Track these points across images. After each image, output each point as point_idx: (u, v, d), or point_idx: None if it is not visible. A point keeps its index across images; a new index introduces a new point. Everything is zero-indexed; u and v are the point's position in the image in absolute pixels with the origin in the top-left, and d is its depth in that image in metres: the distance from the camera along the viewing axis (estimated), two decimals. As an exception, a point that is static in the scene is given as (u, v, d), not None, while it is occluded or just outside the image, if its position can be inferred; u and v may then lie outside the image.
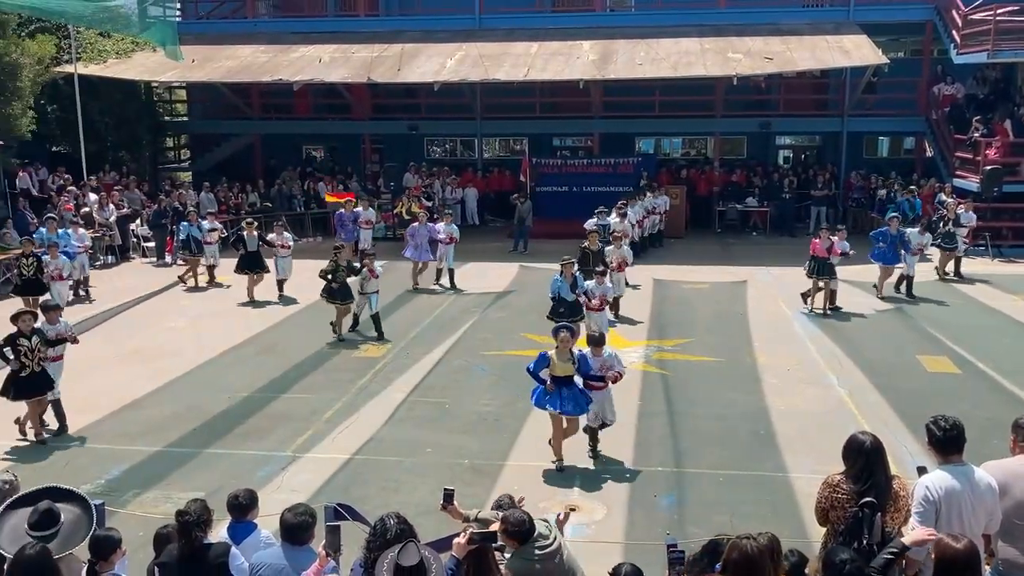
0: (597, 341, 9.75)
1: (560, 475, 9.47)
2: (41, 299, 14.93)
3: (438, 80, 24.40)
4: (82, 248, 18.06)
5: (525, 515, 5.08)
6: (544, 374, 9.50)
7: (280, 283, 17.94)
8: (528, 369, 9.72)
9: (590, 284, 13.88)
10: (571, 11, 28.70)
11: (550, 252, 21.29)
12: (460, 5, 27.98)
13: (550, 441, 9.68)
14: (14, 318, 10.45)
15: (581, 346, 9.97)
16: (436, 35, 27.29)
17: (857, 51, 23.96)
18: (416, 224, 18.84)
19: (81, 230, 18.68)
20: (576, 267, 14.32)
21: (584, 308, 13.93)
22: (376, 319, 14.95)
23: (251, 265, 17.88)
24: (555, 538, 5.13)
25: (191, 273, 19.22)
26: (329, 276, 14.85)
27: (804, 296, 16.63)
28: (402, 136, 29.45)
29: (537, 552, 5.02)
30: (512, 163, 28.59)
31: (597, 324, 13.60)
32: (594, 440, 9.93)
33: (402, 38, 27.20)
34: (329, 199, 24.69)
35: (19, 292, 16.03)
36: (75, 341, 11.11)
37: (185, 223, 19.61)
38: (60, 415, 10.77)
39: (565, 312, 13.62)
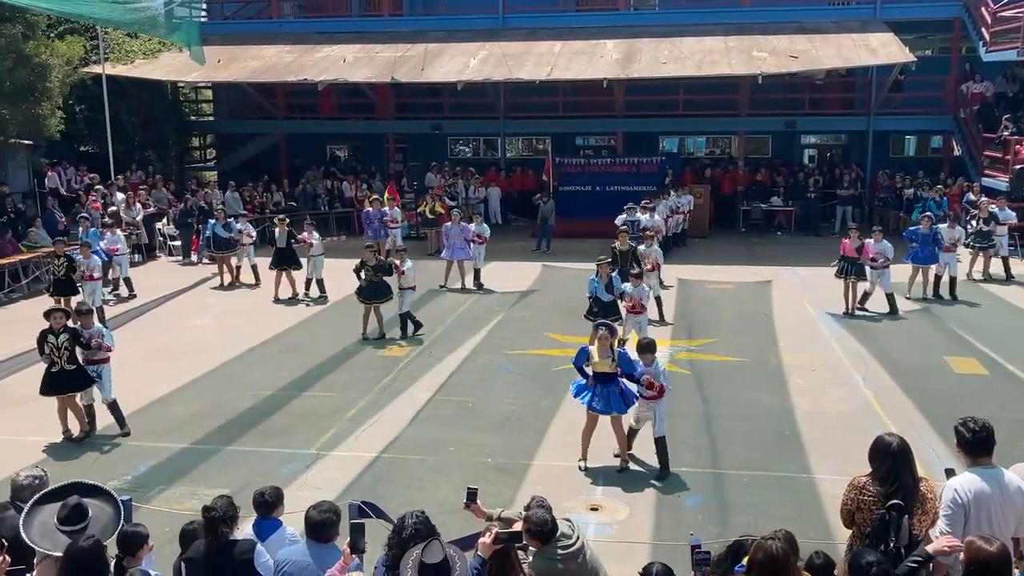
0: (644, 348, 9.47)
1: (583, 474, 9.45)
2: (75, 302, 15.10)
3: (461, 79, 24.44)
4: (114, 249, 18.13)
5: (547, 515, 5.08)
6: (588, 369, 9.48)
7: (308, 282, 17.99)
8: (573, 363, 9.70)
9: (627, 286, 13.73)
10: (594, 10, 28.66)
11: (573, 251, 21.32)
12: (483, 5, 28.03)
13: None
14: (47, 314, 10.55)
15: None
16: (459, 35, 27.35)
17: (884, 49, 23.74)
18: (449, 224, 18.91)
19: (118, 231, 18.73)
20: (612, 268, 14.19)
21: (623, 310, 13.82)
22: (404, 318, 14.97)
23: (283, 262, 18.01)
24: (578, 538, 5.13)
25: (223, 270, 19.37)
26: (359, 273, 14.92)
27: (864, 298, 16.34)
28: (425, 135, 29.55)
29: (560, 552, 5.02)
30: (535, 162, 28.59)
31: (636, 327, 13.54)
32: (629, 440, 9.72)
33: (425, 38, 27.28)
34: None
35: (51, 292, 16.21)
36: (100, 348, 10.76)
37: (212, 220, 19.74)
38: (92, 417, 10.79)
39: (600, 312, 13.43)
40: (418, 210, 23.83)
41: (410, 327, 15.08)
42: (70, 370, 10.45)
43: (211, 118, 33.50)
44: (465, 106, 28.67)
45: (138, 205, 22.52)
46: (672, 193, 22.67)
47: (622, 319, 13.93)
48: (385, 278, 14.97)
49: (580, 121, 29.22)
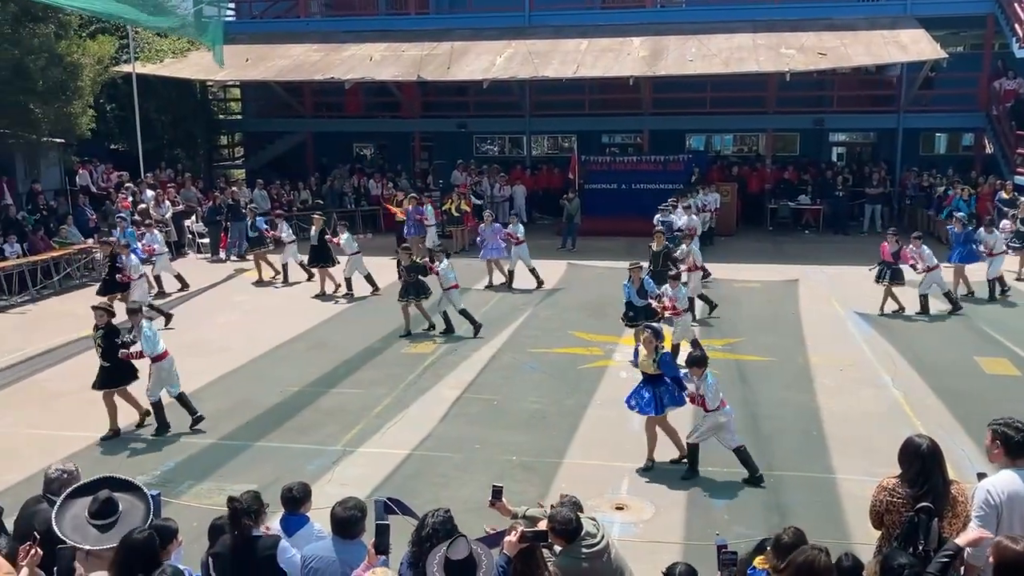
0: (692, 363, 9.28)
1: (611, 472, 9.43)
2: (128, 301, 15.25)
3: (487, 78, 24.46)
4: (150, 249, 18.22)
5: (572, 514, 5.07)
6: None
7: (348, 281, 18.00)
8: (667, 374, 9.53)
9: (665, 288, 13.43)
10: (621, 7, 28.58)
11: (598, 250, 21.28)
12: (509, 3, 28.06)
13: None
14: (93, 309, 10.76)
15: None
16: (485, 33, 27.37)
17: (914, 46, 23.47)
18: (483, 225, 18.94)
19: (155, 230, 18.69)
20: (644, 271, 14.05)
21: (667, 314, 13.51)
22: (465, 314, 14.97)
23: (319, 259, 18.13)
24: (603, 537, 5.12)
25: (260, 267, 19.55)
26: (399, 273, 15.01)
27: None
28: (451, 134, 29.61)
29: (584, 551, 5.01)
30: (561, 160, 28.56)
31: (686, 331, 13.41)
32: (693, 456, 9.46)
33: (452, 36, 27.33)
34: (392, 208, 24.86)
35: (100, 292, 16.23)
36: (134, 355, 10.68)
37: (247, 220, 19.84)
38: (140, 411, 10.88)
39: (635, 317, 13.36)
40: (443, 208, 23.88)
41: (440, 323, 15.06)
42: (106, 367, 10.59)
43: (239, 116, 33.77)
44: (491, 104, 28.68)
45: (167, 203, 22.75)
46: (699, 191, 22.55)
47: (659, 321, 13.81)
48: (421, 278, 15.02)
49: (606, 119, 29.13)
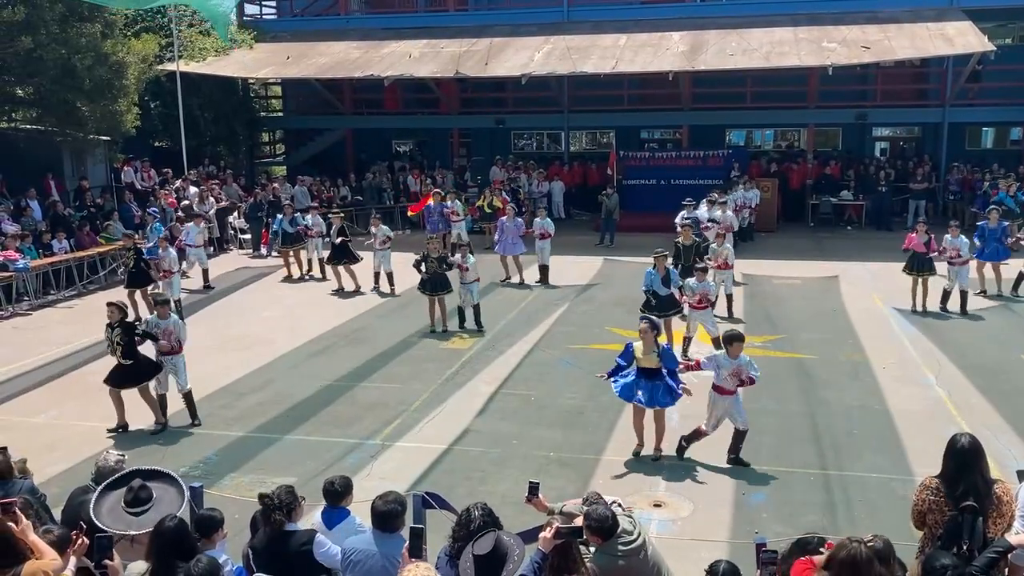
0: (731, 339, 9.25)
1: (648, 469, 9.40)
2: (150, 291, 15.52)
3: (526, 73, 24.45)
4: (198, 243, 18.47)
5: (608, 511, 5.07)
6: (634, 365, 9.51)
7: (376, 275, 18.16)
8: (617, 358, 9.73)
9: (690, 281, 13.42)
10: (660, 2, 28.34)
11: (636, 246, 21.15)
12: (548, -2, 28.02)
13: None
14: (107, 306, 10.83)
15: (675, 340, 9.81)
16: (524, 28, 27.38)
17: (960, 38, 23.02)
18: (504, 218, 18.93)
19: (188, 224, 19.11)
20: (669, 260, 14.00)
21: (686, 306, 13.67)
22: (476, 310, 15.04)
23: (338, 256, 18.25)
24: (639, 534, 5.10)
25: (289, 263, 19.72)
26: (420, 267, 15.03)
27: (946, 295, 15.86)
28: (489, 130, 29.65)
29: (621, 548, 5.00)
30: (599, 156, 28.45)
31: (708, 324, 13.38)
32: (736, 444, 9.51)
33: (490, 32, 27.37)
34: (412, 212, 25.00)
35: (126, 285, 16.63)
36: (171, 341, 10.76)
37: (279, 215, 20.08)
38: (165, 410, 10.89)
39: (656, 307, 13.28)
40: (477, 204, 23.93)
41: (469, 318, 15.13)
42: (126, 364, 10.59)
43: (280, 114, 34.14)
44: (529, 100, 28.66)
45: (211, 199, 23.07)
46: (740, 187, 22.34)
47: (683, 313, 13.77)
48: (447, 272, 15.07)
49: (645, 114, 28.93)
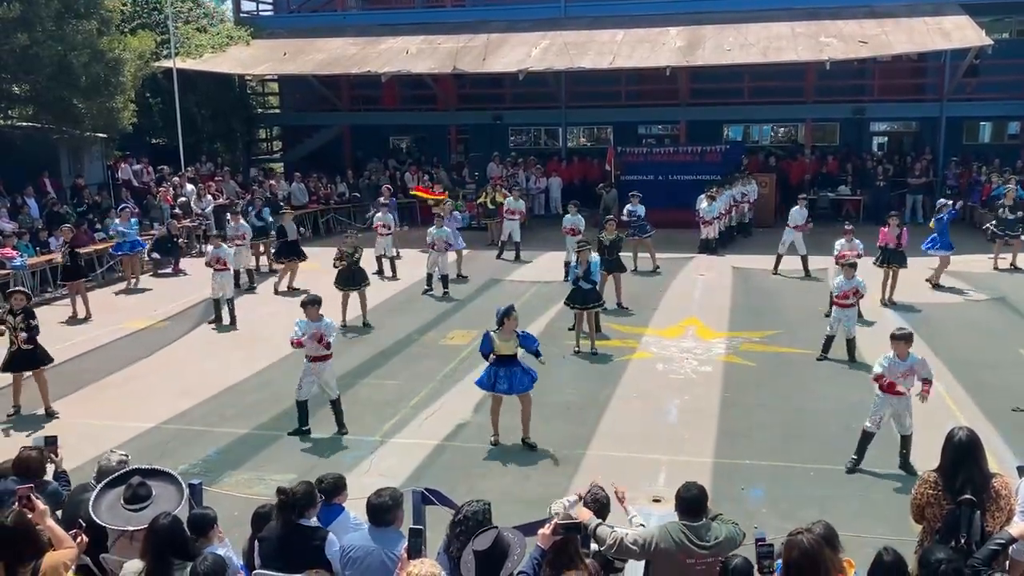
0: (899, 339, 9.04)
1: (647, 465, 9.41)
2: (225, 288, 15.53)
3: (523, 69, 24.42)
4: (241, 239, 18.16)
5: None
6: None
7: (379, 259, 18.30)
8: (480, 349, 9.99)
9: (839, 279, 12.98)
10: (657, -3, 28.34)
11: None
12: (545, -6, 27.98)
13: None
14: (8, 295, 11.19)
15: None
16: (521, 24, 27.32)
17: (958, 32, 23.03)
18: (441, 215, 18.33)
19: (223, 244, 16.87)
20: (593, 254, 13.74)
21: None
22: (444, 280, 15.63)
23: (290, 253, 18.01)
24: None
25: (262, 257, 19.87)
26: (342, 262, 15.03)
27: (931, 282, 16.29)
28: (487, 126, 29.61)
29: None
30: (597, 152, 28.42)
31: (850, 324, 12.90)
32: (905, 448, 9.22)
33: (487, 28, 27.32)
34: (417, 193, 25.00)
35: (62, 278, 16.61)
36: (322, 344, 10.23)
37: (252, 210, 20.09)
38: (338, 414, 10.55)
39: (578, 299, 13.39)
40: (478, 201, 23.93)
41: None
42: (27, 350, 10.94)
43: (277, 111, 34.06)
44: (527, 96, 28.61)
45: (208, 196, 23.01)
46: (737, 181, 22.36)
47: (602, 306, 13.91)
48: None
49: (643, 110, 28.93)
